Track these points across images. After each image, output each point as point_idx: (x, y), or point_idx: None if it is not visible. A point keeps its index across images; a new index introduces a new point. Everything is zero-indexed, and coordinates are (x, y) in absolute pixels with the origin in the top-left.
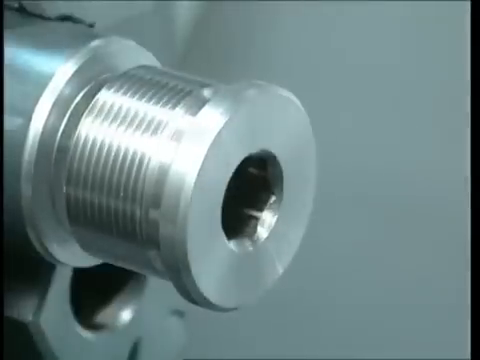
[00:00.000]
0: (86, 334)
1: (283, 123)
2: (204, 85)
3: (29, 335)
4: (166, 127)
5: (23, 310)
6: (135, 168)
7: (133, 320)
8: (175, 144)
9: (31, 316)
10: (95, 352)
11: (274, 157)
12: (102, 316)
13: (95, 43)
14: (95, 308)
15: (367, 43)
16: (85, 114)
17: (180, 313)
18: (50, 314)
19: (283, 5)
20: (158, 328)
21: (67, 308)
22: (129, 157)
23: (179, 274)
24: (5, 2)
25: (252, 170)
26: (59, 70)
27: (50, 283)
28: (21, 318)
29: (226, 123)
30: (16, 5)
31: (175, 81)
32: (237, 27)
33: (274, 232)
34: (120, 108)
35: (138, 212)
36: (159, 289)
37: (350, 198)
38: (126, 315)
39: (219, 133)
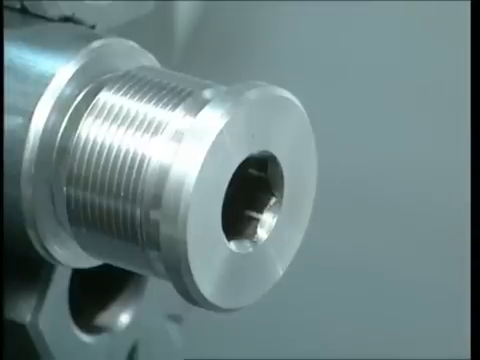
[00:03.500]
0: (84, 336)
1: (283, 124)
2: (204, 86)
3: (27, 336)
4: (166, 128)
5: (21, 311)
6: (135, 169)
7: (132, 323)
8: (175, 145)
9: (29, 317)
10: (93, 354)
11: (274, 158)
12: (101, 319)
13: (96, 44)
14: (94, 311)
15: (367, 43)
16: (86, 114)
17: (178, 317)
18: (48, 315)
19: (283, 5)
20: (156, 331)
21: (66, 310)
22: (129, 158)
23: (179, 275)
24: (7, 2)
25: (252, 171)
26: (60, 70)
27: (49, 284)
28: (19, 319)
29: (226, 124)
30: (18, 6)
31: (175, 82)
32: (237, 27)
33: (274, 233)
34: (121, 109)
35: (138, 213)
36: (158, 292)
37: (351, 199)
38: (125, 318)
39: (219, 134)
